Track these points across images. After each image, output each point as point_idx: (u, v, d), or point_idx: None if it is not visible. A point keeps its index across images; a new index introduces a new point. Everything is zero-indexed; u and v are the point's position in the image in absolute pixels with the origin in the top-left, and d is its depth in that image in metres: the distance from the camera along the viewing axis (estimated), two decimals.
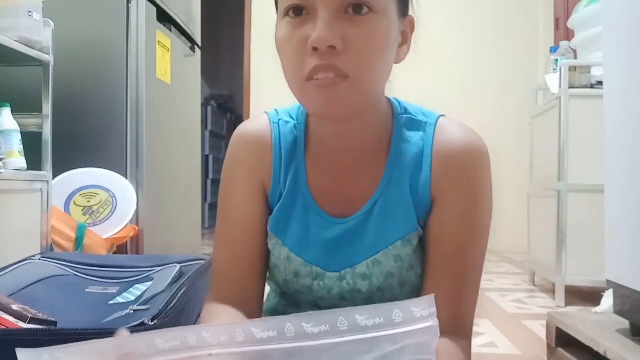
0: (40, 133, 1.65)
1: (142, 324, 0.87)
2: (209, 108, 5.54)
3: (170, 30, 2.37)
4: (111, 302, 1.11)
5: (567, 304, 2.15)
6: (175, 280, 1.12)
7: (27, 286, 1.14)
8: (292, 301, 0.77)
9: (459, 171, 0.67)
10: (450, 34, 3.97)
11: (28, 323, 0.88)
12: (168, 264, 1.24)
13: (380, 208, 0.69)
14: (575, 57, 2.41)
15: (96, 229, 1.84)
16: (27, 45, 1.52)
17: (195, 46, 2.73)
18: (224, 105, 6.24)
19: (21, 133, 1.60)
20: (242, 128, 0.76)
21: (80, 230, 1.75)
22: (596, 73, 2.14)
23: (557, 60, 2.38)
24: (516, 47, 4.03)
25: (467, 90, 3.96)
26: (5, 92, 1.77)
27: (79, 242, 1.74)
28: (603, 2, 1.38)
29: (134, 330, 0.85)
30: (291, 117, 0.75)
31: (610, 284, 1.19)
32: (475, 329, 0.73)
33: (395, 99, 0.74)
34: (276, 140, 0.73)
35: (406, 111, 0.72)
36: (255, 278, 0.73)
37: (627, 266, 1.13)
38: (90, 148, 2.01)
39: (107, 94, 2.02)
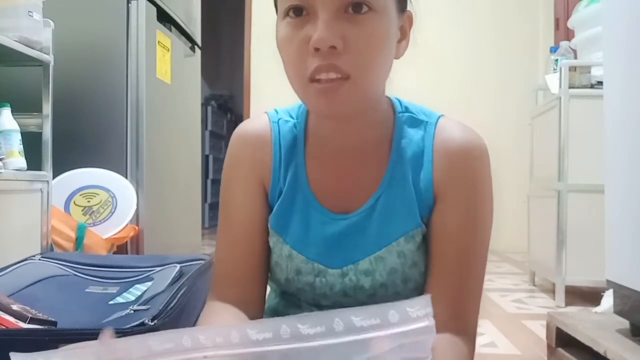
0: (40, 133, 1.65)
1: (142, 324, 0.87)
2: (209, 108, 5.54)
3: (170, 30, 2.37)
4: (111, 302, 1.11)
5: (567, 304, 2.15)
6: (175, 280, 1.12)
7: (27, 286, 1.14)
8: (292, 301, 0.77)
9: (460, 168, 0.68)
10: (450, 33, 3.97)
11: (28, 323, 0.87)
12: (168, 264, 1.24)
13: (383, 204, 0.70)
14: (575, 57, 2.41)
15: (96, 229, 1.84)
16: (27, 45, 1.52)
17: (195, 46, 2.73)
18: (224, 105, 6.24)
19: (21, 133, 1.60)
20: (242, 127, 0.77)
21: (80, 230, 1.75)
22: (596, 73, 2.14)
23: (557, 60, 2.38)
24: (516, 47, 4.03)
25: (467, 90, 3.95)
26: (5, 92, 1.78)
27: (79, 242, 1.74)
28: (603, 2, 1.38)
29: (134, 330, 0.85)
30: (291, 116, 0.76)
31: (610, 284, 1.19)
32: None
33: (396, 98, 0.75)
34: (276, 138, 0.74)
35: (407, 109, 0.73)
36: (256, 277, 0.74)
37: (627, 266, 1.13)
38: (90, 148, 2.01)
39: (107, 94, 2.02)
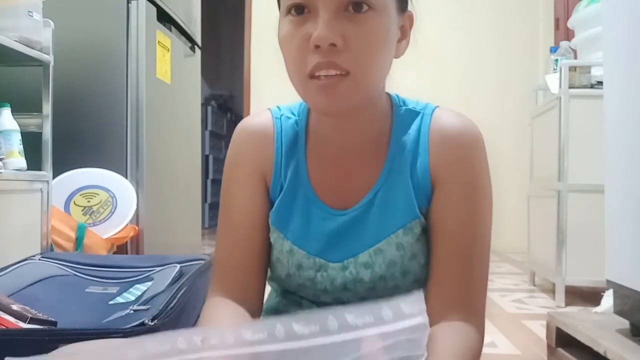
0: (40, 133, 1.65)
1: (142, 324, 0.87)
2: (209, 108, 5.53)
3: (170, 30, 2.37)
4: (111, 302, 1.11)
5: (567, 304, 2.15)
6: (175, 280, 1.12)
7: (27, 286, 1.14)
8: (293, 300, 0.77)
9: (456, 153, 0.69)
10: (450, 33, 3.97)
11: (28, 323, 0.88)
12: (168, 264, 1.24)
13: (382, 198, 0.71)
14: (575, 57, 2.41)
15: (96, 229, 1.84)
16: (27, 45, 1.52)
17: (195, 46, 2.73)
18: (224, 105, 6.24)
19: (21, 133, 1.60)
20: (245, 122, 0.77)
21: (80, 230, 1.75)
22: (596, 73, 2.14)
23: (557, 60, 2.38)
24: (516, 47, 4.02)
25: (467, 90, 3.95)
26: (5, 92, 1.77)
27: (79, 242, 1.74)
28: (603, 2, 1.38)
29: (134, 330, 0.85)
30: (292, 113, 0.77)
31: (610, 284, 1.19)
32: None
33: (395, 94, 0.76)
34: (278, 134, 0.74)
35: (404, 104, 0.74)
36: (256, 272, 0.74)
37: (627, 266, 1.13)
38: (90, 148, 2.01)
39: (107, 94, 2.02)
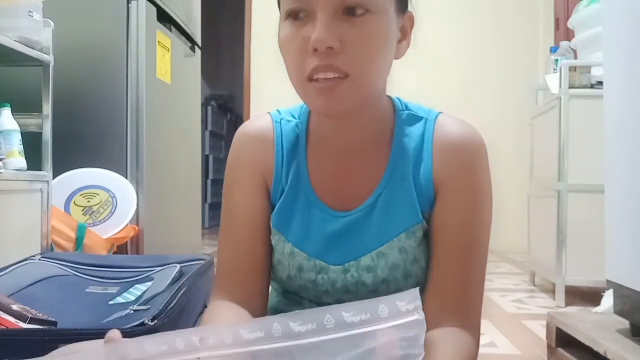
0: (40, 133, 1.65)
1: (142, 324, 0.87)
2: (209, 108, 5.53)
3: (170, 30, 2.37)
4: (111, 302, 1.11)
5: (567, 304, 2.15)
6: (175, 280, 1.12)
7: (27, 286, 1.14)
8: (294, 299, 0.78)
9: (459, 161, 0.69)
10: (450, 34, 3.97)
11: (28, 323, 0.88)
12: (168, 264, 1.24)
13: (384, 201, 0.71)
14: (575, 57, 2.41)
15: (96, 229, 1.84)
16: (27, 45, 1.52)
17: (195, 46, 2.73)
18: (224, 105, 6.24)
19: (21, 133, 1.60)
20: (245, 127, 0.78)
21: (80, 230, 1.75)
22: (596, 73, 2.14)
23: (557, 60, 2.37)
24: (516, 47, 4.02)
25: (467, 90, 3.95)
26: (5, 92, 1.77)
27: (79, 242, 1.74)
28: (603, 2, 1.38)
29: (134, 330, 0.85)
30: (293, 116, 0.77)
31: (610, 284, 1.19)
32: None
33: (397, 98, 0.76)
34: (278, 137, 0.75)
35: (407, 107, 0.75)
36: (258, 274, 0.74)
37: (627, 266, 1.13)
38: (90, 148, 2.01)
39: (107, 94, 2.02)
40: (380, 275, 0.70)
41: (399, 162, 0.71)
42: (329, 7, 0.60)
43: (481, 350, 0.69)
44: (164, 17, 2.27)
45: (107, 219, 1.89)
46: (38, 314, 0.91)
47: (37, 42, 1.56)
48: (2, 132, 1.55)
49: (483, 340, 1.65)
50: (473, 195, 0.69)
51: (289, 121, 0.76)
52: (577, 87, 2.17)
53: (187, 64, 2.59)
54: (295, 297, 0.77)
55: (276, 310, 0.79)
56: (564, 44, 2.42)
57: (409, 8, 0.70)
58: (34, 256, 1.30)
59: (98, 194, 1.92)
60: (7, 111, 1.58)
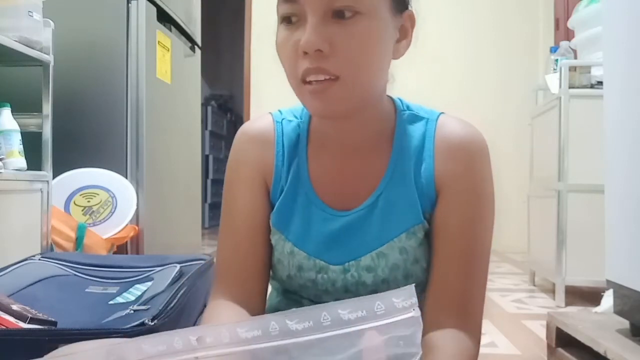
0: (40, 133, 1.65)
1: (142, 324, 0.87)
2: (209, 108, 5.53)
3: (170, 30, 2.37)
4: (111, 302, 1.11)
5: (567, 304, 2.15)
6: (175, 280, 1.12)
7: (27, 286, 1.14)
8: (294, 299, 0.78)
9: (460, 161, 0.69)
10: (450, 34, 3.97)
11: (28, 323, 0.88)
12: (168, 264, 1.24)
13: (385, 201, 0.71)
14: (575, 57, 2.41)
15: (96, 229, 1.84)
16: (27, 45, 1.52)
17: (195, 46, 2.73)
18: (224, 105, 6.24)
19: (21, 133, 1.60)
20: (246, 126, 0.78)
21: (80, 230, 1.75)
22: (596, 73, 2.14)
23: (557, 60, 2.37)
24: (516, 47, 4.02)
25: (467, 90, 3.95)
26: (5, 92, 1.77)
27: (79, 242, 1.74)
28: (603, 2, 1.38)
29: (134, 330, 0.85)
30: (295, 116, 0.77)
31: (610, 284, 1.19)
32: None
33: (398, 98, 0.76)
34: (279, 137, 0.75)
35: (408, 108, 0.75)
36: (258, 274, 0.74)
37: (627, 266, 1.13)
38: (90, 148, 2.01)
39: (107, 94, 2.02)
40: (381, 276, 0.70)
41: (400, 162, 0.71)
42: (318, 11, 0.61)
43: (481, 350, 0.69)
44: (164, 17, 2.27)
45: (107, 219, 1.89)
46: (38, 314, 0.91)
47: (37, 42, 1.56)
48: (2, 132, 1.55)
49: (483, 340, 1.65)
50: (475, 196, 0.69)
51: (290, 121, 0.76)
52: (577, 87, 2.17)
53: (187, 64, 2.59)
54: (296, 296, 0.77)
55: (276, 310, 0.79)
56: (564, 44, 2.42)
57: (410, 7, 0.69)
58: (34, 256, 1.30)
59: (98, 194, 1.92)
60: (7, 111, 1.58)
